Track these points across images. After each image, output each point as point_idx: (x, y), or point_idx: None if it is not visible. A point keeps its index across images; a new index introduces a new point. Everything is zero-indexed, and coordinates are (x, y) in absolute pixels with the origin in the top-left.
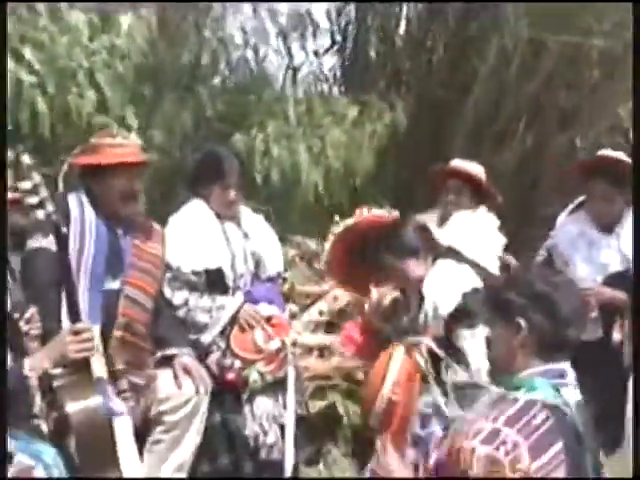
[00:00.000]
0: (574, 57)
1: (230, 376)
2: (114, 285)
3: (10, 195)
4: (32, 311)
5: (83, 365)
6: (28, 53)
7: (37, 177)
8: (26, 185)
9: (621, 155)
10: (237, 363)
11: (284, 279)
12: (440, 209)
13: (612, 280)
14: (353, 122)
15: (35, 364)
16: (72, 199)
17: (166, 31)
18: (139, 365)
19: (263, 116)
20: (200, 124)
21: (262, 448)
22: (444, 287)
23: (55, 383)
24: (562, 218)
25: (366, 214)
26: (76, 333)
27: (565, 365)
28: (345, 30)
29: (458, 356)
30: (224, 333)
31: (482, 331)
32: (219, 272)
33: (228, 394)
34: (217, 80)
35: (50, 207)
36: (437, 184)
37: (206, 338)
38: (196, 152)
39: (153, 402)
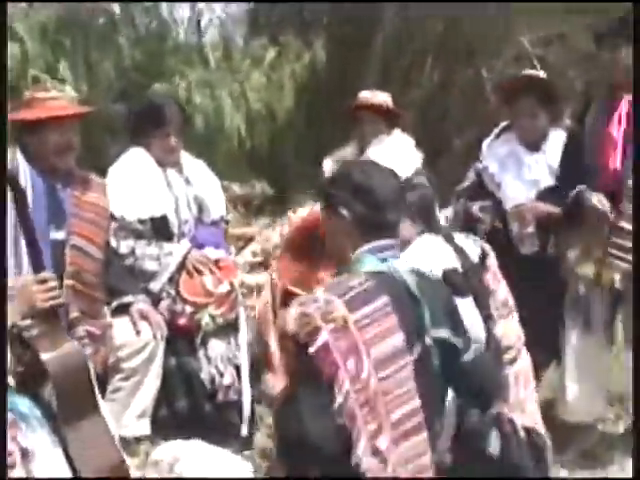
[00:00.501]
0: None
1: (182, 321)
2: (59, 235)
3: None
4: None
5: (51, 314)
6: None
7: None
8: None
9: (543, 74)
10: (188, 308)
11: (227, 222)
12: (357, 142)
13: (544, 195)
14: (271, 64)
15: None
16: None
17: None
18: (93, 314)
19: (181, 64)
20: (123, 74)
21: (219, 390)
22: (427, 259)
23: (26, 334)
24: (488, 142)
25: (295, 218)
26: (42, 282)
27: (392, 240)
28: None
29: None
30: (173, 280)
31: (471, 304)
32: (164, 219)
33: (182, 339)
34: (132, 30)
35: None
36: (351, 119)
37: (155, 285)
38: (119, 102)
39: (111, 350)
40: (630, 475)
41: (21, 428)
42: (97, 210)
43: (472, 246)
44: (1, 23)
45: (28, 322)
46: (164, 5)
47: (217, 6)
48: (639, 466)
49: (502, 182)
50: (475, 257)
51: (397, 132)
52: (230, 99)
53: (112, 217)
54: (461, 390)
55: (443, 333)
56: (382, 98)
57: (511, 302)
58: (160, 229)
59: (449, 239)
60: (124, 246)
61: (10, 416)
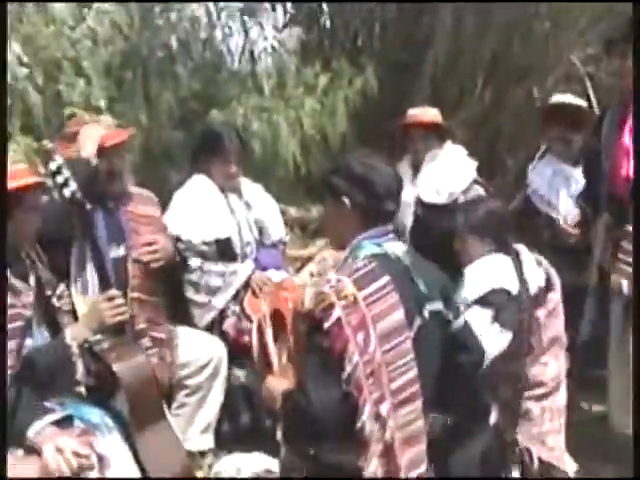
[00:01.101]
0: (525, 11)
1: (246, 339)
2: (120, 252)
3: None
4: (62, 288)
5: (119, 328)
6: (16, 46)
7: (60, 159)
8: (52, 166)
9: (571, 98)
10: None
11: (284, 244)
12: (410, 158)
13: None
14: (324, 90)
15: (75, 334)
16: None
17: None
18: (158, 320)
19: (238, 92)
20: (182, 103)
21: None
22: (479, 276)
23: (97, 348)
24: (532, 166)
25: None
26: (109, 299)
27: (388, 227)
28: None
29: None
30: (237, 298)
31: (488, 315)
32: (228, 241)
33: (245, 356)
34: (189, 61)
35: (74, 185)
36: (402, 136)
37: (219, 302)
38: (179, 129)
39: (175, 360)
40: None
41: (96, 435)
42: (151, 220)
43: (537, 275)
44: (1, 23)
45: (98, 337)
46: (219, 36)
47: (270, 35)
48: (639, 466)
49: (552, 201)
50: (534, 288)
51: (449, 144)
52: (286, 125)
53: (179, 240)
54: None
55: (437, 305)
56: (431, 114)
57: (563, 341)
58: (224, 251)
59: (517, 263)
60: (193, 262)
61: (82, 425)
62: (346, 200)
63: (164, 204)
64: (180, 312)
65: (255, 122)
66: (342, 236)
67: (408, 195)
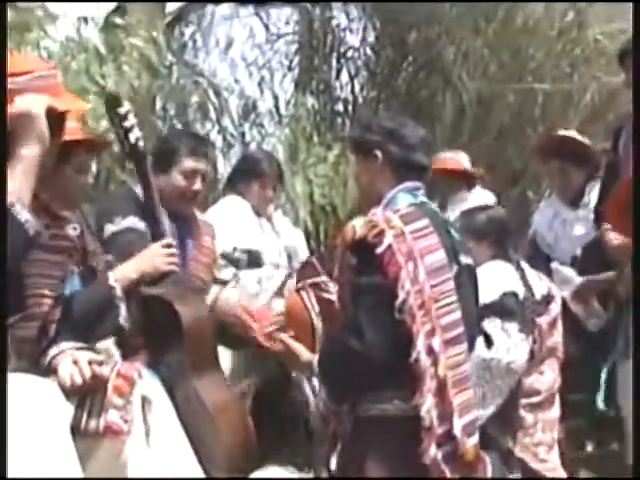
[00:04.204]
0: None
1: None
2: None
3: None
4: (110, 257)
5: (172, 277)
6: None
7: (127, 105)
8: (121, 110)
9: (574, 134)
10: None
11: None
12: (437, 200)
13: (589, 250)
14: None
15: (120, 274)
16: None
17: None
18: None
19: None
20: None
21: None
22: (490, 280)
23: (150, 291)
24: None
25: None
26: (166, 246)
27: (418, 183)
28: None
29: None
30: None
31: (514, 329)
32: (258, 255)
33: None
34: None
35: (138, 133)
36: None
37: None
38: None
39: None
40: None
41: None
42: (209, 253)
43: (539, 284)
44: (1, 23)
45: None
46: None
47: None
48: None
49: (551, 243)
50: (538, 295)
51: (477, 189)
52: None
53: None
54: None
55: (469, 260)
56: (456, 160)
57: (559, 354)
58: (254, 265)
59: (519, 269)
60: (226, 273)
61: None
62: (378, 153)
63: None
64: None
65: None
66: (375, 192)
67: None
